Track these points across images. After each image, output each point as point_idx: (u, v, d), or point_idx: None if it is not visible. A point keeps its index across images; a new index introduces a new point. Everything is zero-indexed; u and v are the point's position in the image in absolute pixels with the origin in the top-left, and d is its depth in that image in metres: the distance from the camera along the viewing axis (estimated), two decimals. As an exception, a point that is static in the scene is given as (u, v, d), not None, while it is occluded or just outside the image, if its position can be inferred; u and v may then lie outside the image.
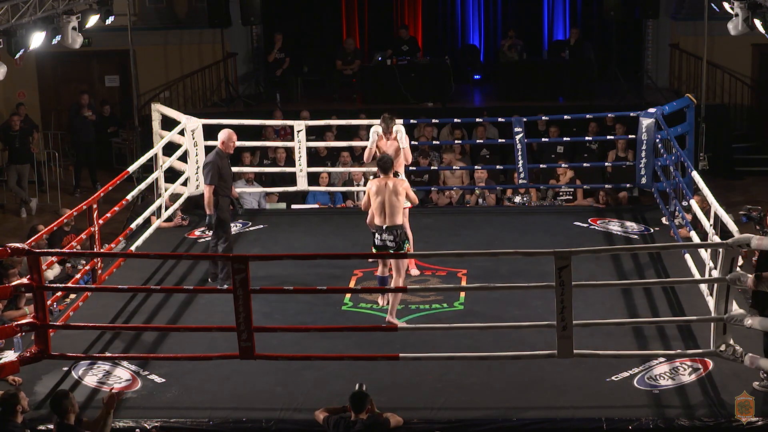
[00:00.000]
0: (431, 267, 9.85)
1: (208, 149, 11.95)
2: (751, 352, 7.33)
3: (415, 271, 9.74)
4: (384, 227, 8.58)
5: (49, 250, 9.54)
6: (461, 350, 7.80)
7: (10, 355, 7.81)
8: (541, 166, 12.71)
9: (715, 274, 7.54)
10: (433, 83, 15.52)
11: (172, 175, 11.65)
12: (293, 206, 12.55)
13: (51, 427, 7.08)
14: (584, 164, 12.74)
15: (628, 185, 12.30)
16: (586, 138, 13.01)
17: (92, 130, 15.12)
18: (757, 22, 10.00)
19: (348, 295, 9.32)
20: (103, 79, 17.04)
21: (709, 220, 8.81)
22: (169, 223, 11.35)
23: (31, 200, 14.19)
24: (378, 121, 10.10)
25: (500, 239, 10.80)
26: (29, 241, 8.05)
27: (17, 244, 7.42)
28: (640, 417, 7.07)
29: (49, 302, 7.98)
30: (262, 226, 11.51)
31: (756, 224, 9.28)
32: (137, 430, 7.13)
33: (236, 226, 11.21)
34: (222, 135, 9.81)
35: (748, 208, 9.48)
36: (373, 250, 8.71)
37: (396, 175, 9.17)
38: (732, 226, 7.93)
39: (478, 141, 13.84)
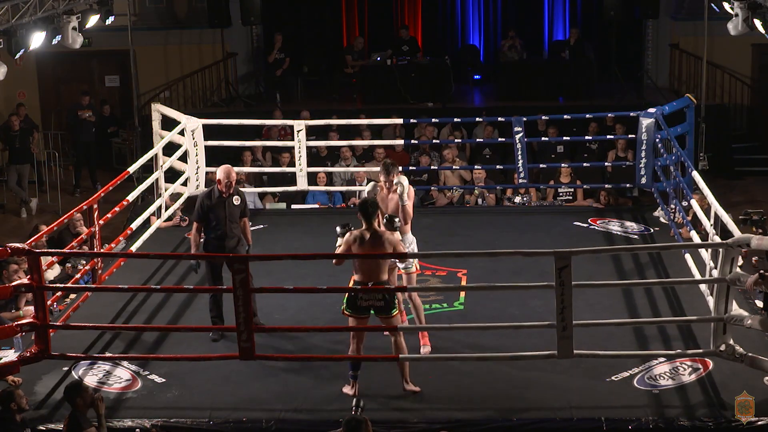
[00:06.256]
0: (431, 267, 9.84)
1: (208, 149, 11.99)
2: (751, 352, 7.33)
3: (426, 348, 8.19)
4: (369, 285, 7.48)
5: (49, 250, 9.54)
6: (461, 350, 7.79)
7: (10, 355, 7.81)
8: (541, 166, 12.72)
9: (716, 274, 7.54)
10: (433, 83, 15.51)
11: (172, 175, 11.65)
12: (293, 206, 12.54)
13: (52, 427, 7.11)
14: (584, 164, 12.74)
15: (628, 185, 12.29)
16: (586, 138, 13.00)
17: (92, 130, 15.12)
18: (757, 22, 10.01)
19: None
20: (103, 79, 17.03)
21: (709, 220, 8.81)
22: (168, 222, 11.35)
23: (31, 200, 14.18)
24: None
25: (500, 239, 10.79)
26: (30, 240, 8.05)
27: (17, 244, 7.42)
28: (640, 417, 7.07)
29: (49, 302, 7.97)
30: (262, 226, 11.49)
31: (758, 228, 9.24)
32: (137, 430, 7.13)
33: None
34: (218, 172, 8.54)
35: (749, 212, 9.43)
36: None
37: (392, 225, 7.77)
38: (732, 226, 7.93)
39: (477, 140, 13.83)
